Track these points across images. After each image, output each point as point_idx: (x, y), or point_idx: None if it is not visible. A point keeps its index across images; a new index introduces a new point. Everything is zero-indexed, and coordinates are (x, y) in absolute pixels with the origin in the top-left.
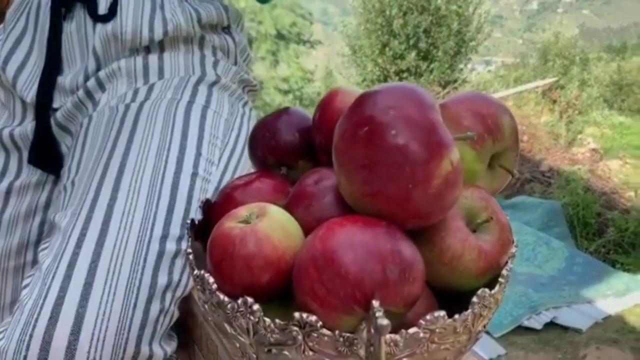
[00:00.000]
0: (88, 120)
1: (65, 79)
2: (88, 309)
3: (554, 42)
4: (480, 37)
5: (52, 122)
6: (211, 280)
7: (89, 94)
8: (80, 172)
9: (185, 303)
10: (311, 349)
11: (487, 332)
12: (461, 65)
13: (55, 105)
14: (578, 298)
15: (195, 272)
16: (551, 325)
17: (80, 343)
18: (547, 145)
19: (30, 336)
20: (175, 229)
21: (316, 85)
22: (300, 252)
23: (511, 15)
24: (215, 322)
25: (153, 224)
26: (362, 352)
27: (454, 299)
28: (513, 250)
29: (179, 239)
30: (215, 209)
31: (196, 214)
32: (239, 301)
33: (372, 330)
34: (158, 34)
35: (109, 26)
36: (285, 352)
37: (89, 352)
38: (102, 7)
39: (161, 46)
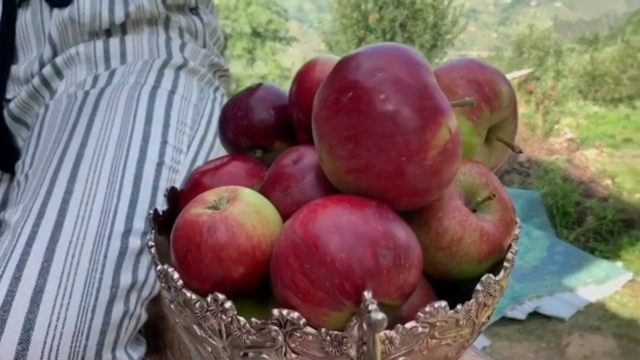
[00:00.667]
0: (44, 110)
1: (19, 68)
2: (39, 315)
3: (528, 34)
4: (456, 30)
5: (6, 113)
6: (176, 275)
7: (45, 82)
8: (34, 165)
9: (155, 304)
10: (294, 351)
11: None
12: (437, 60)
13: (8, 96)
14: (560, 287)
15: (159, 267)
16: (534, 314)
17: (30, 353)
18: (525, 136)
19: None
20: (139, 223)
21: None
22: (278, 239)
23: (485, 9)
24: (184, 323)
25: (114, 218)
26: (352, 352)
27: (448, 289)
28: (517, 231)
29: (144, 234)
30: (182, 197)
31: (162, 205)
32: (209, 298)
33: (365, 327)
34: (119, 15)
35: (66, 11)
36: (264, 356)
37: None
38: None
39: (123, 29)
